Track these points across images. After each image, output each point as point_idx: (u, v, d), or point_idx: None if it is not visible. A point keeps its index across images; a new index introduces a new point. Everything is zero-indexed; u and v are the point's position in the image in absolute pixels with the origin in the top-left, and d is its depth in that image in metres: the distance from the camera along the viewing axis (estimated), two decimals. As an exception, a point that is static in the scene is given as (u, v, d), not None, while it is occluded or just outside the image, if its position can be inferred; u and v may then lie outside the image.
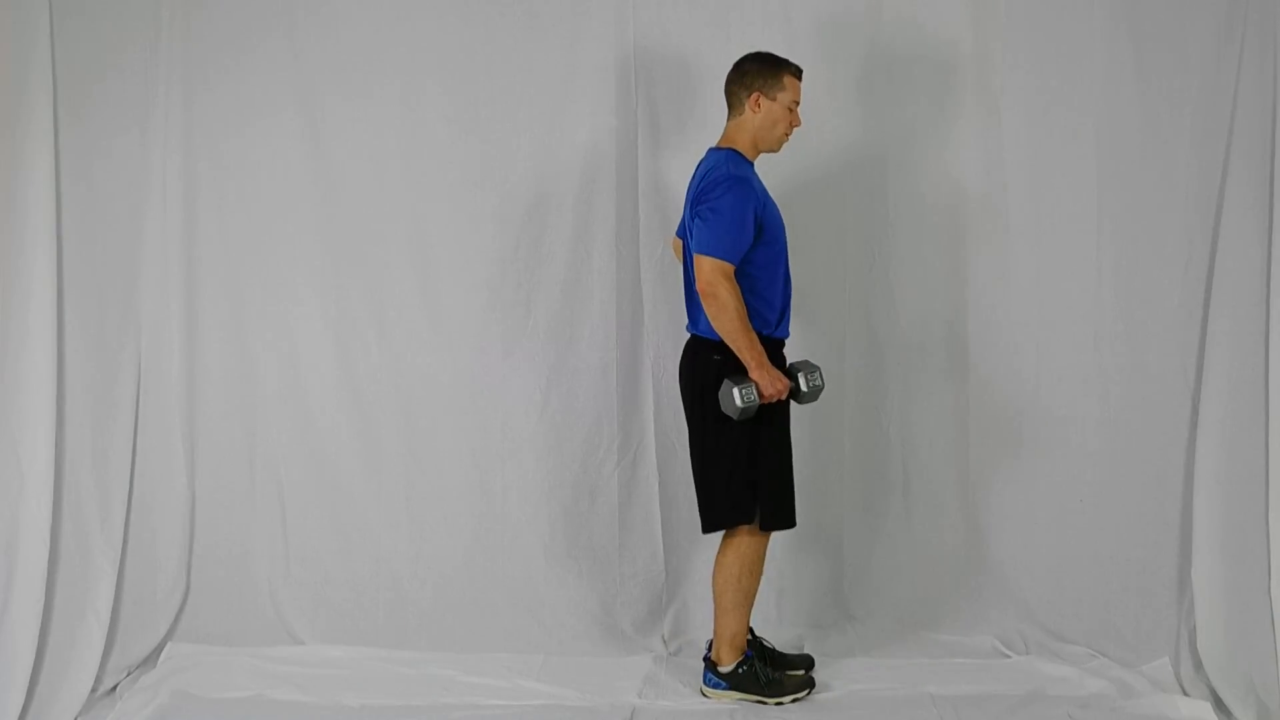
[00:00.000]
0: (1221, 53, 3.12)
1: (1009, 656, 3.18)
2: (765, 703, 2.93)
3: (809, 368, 2.91)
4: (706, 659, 3.02)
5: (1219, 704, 2.92)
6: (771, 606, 3.31)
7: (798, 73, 2.90)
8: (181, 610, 3.29)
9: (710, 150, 2.93)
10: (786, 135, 2.92)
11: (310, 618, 3.31)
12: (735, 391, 2.75)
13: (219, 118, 3.27)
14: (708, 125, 3.28)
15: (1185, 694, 2.98)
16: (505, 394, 3.34)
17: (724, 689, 2.96)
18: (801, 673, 3.03)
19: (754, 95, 2.86)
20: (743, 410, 2.76)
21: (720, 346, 2.81)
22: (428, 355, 3.33)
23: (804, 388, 2.88)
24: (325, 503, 3.34)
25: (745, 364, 2.78)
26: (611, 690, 2.99)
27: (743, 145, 2.89)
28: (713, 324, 2.77)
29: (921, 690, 2.97)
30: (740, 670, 2.95)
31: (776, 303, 2.88)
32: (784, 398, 2.84)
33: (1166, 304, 3.20)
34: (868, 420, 3.35)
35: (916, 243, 3.31)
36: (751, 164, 2.90)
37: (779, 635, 3.23)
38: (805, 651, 3.19)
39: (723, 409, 2.79)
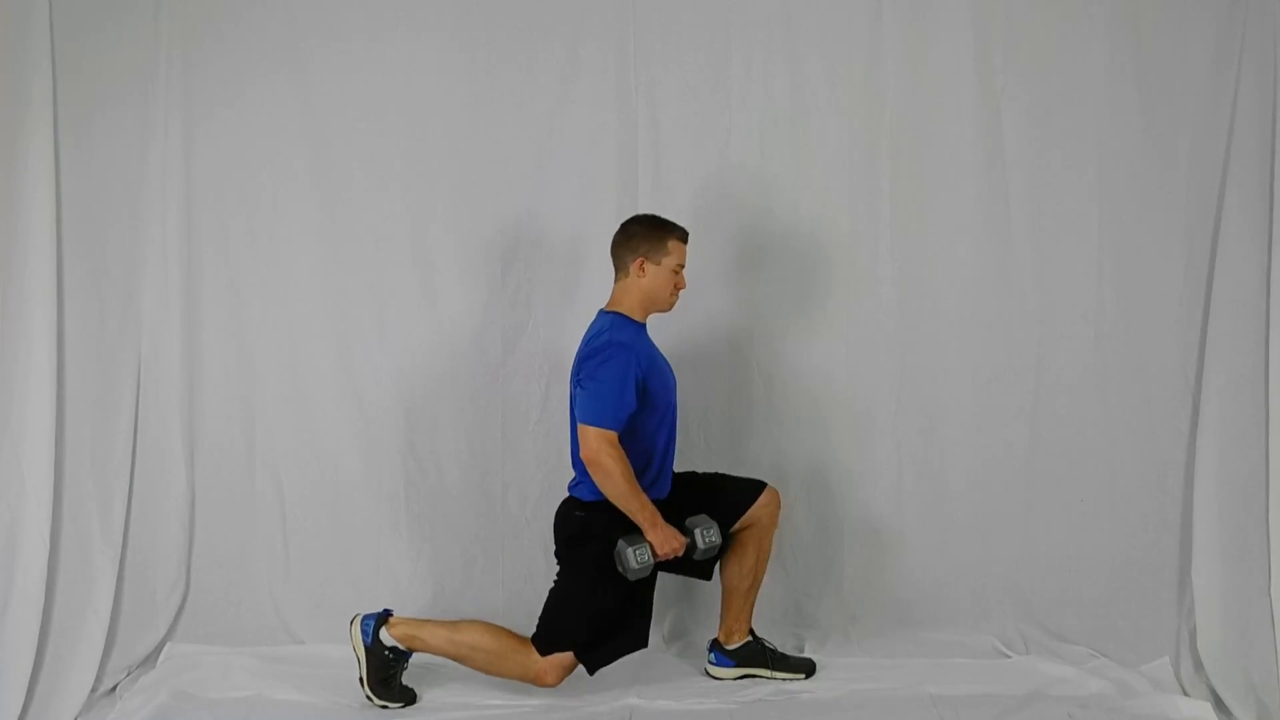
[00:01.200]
0: (1221, 53, 3.12)
1: (1009, 656, 3.18)
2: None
3: (705, 524, 2.91)
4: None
5: (1219, 704, 2.92)
6: (772, 607, 3.30)
7: (683, 236, 2.92)
8: (181, 610, 3.29)
9: (599, 313, 2.95)
10: (674, 298, 2.94)
11: (310, 618, 3.31)
12: (630, 552, 2.79)
13: (219, 118, 3.27)
14: (708, 124, 3.30)
15: (1185, 694, 2.98)
16: (505, 394, 3.34)
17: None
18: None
19: (639, 259, 2.88)
20: (636, 571, 2.80)
21: (585, 505, 2.87)
22: (428, 355, 3.33)
23: (700, 544, 2.88)
24: (325, 503, 3.34)
25: (640, 525, 2.81)
26: (610, 690, 2.99)
27: (629, 308, 2.91)
28: (601, 490, 2.79)
29: (921, 690, 2.97)
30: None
31: (653, 464, 2.90)
32: (679, 554, 2.86)
33: (1166, 304, 3.20)
34: (867, 420, 3.35)
35: (916, 242, 3.30)
36: (641, 326, 2.92)
37: (779, 635, 3.23)
38: (806, 655, 3.19)
39: (618, 568, 2.82)
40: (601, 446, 2.74)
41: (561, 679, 2.88)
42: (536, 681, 2.87)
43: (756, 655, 3.07)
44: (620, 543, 2.81)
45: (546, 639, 2.87)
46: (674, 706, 2.92)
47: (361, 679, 2.91)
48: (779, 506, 3.07)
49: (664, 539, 2.81)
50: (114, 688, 3.09)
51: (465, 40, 3.27)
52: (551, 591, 2.94)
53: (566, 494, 2.97)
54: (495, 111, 3.28)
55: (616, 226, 2.96)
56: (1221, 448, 3.11)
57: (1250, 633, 3.00)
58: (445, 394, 3.34)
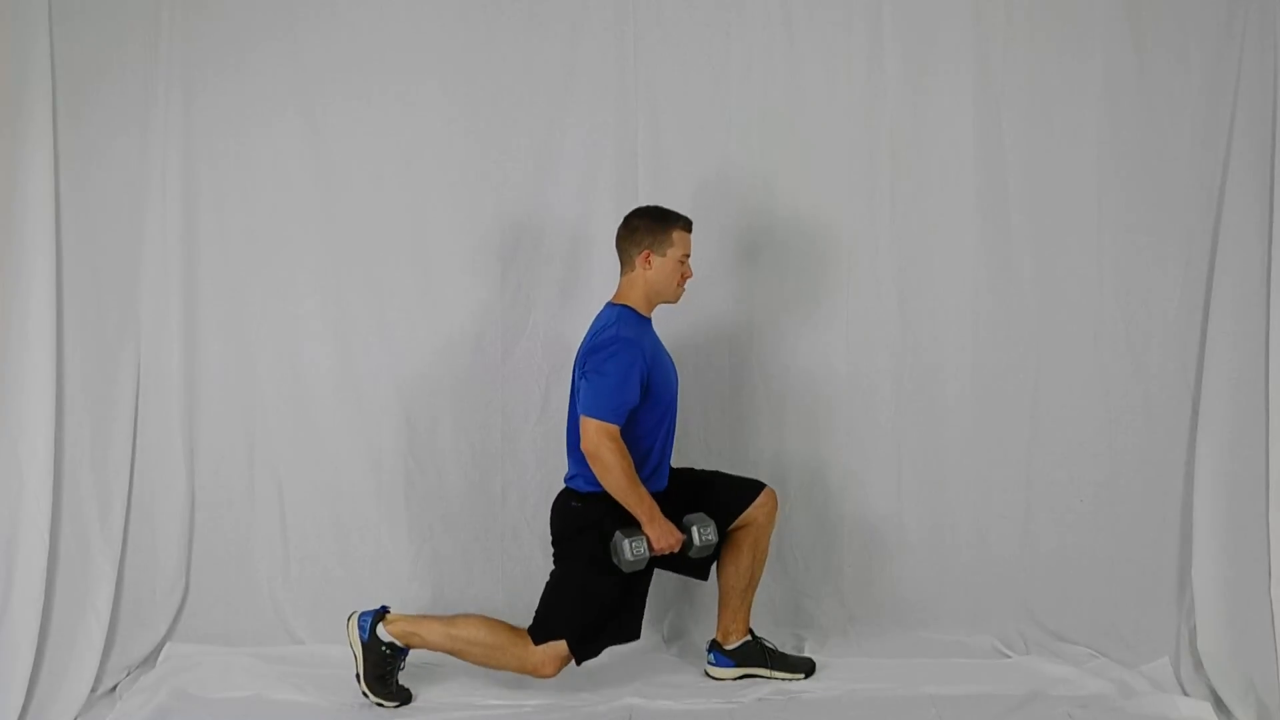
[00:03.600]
0: (1221, 53, 3.12)
1: (1009, 656, 3.18)
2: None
3: (703, 521, 2.91)
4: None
5: (1219, 704, 2.92)
6: (772, 607, 3.30)
7: (687, 226, 2.92)
8: (181, 610, 3.28)
9: (605, 305, 2.95)
10: (681, 288, 2.94)
11: (310, 618, 3.31)
12: (626, 544, 2.79)
13: (219, 118, 3.27)
14: (708, 124, 3.30)
15: (1185, 694, 2.98)
16: (505, 394, 3.34)
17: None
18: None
19: (644, 252, 2.88)
20: (632, 564, 2.80)
21: (582, 497, 2.88)
22: (428, 355, 3.33)
23: (697, 541, 2.88)
24: (325, 503, 3.34)
25: (637, 518, 2.81)
26: (610, 690, 2.99)
27: (635, 301, 2.91)
28: (601, 483, 2.80)
29: (921, 690, 2.97)
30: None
31: (651, 459, 2.90)
32: (675, 550, 2.86)
33: (1166, 304, 3.21)
34: (867, 419, 3.35)
35: (916, 242, 3.31)
36: (647, 320, 2.92)
37: (779, 635, 3.23)
38: (805, 654, 3.19)
39: (613, 559, 2.82)
40: (602, 440, 2.75)
41: (559, 669, 2.87)
42: (534, 673, 2.87)
43: (755, 654, 3.07)
44: (617, 534, 2.81)
45: (541, 629, 2.87)
46: (674, 706, 2.92)
47: (358, 675, 2.91)
48: (776, 507, 3.07)
49: (661, 534, 2.81)
50: (114, 688, 3.09)
51: (465, 40, 3.27)
52: (548, 582, 2.94)
53: (563, 486, 2.97)
54: (495, 111, 3.28)
55: (617, 226, 2.96)
56: (1221, 448, 3.11)
57: (1250, 633, 3.00)
58: (445, 394, 3.34)
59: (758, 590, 3.11)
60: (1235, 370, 3.10)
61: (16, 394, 3.06)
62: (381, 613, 2.92)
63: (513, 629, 2.90)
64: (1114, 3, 3.18)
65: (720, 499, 3.00)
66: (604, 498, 2.82)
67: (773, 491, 3.07)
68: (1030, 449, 3.29)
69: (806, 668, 3.09)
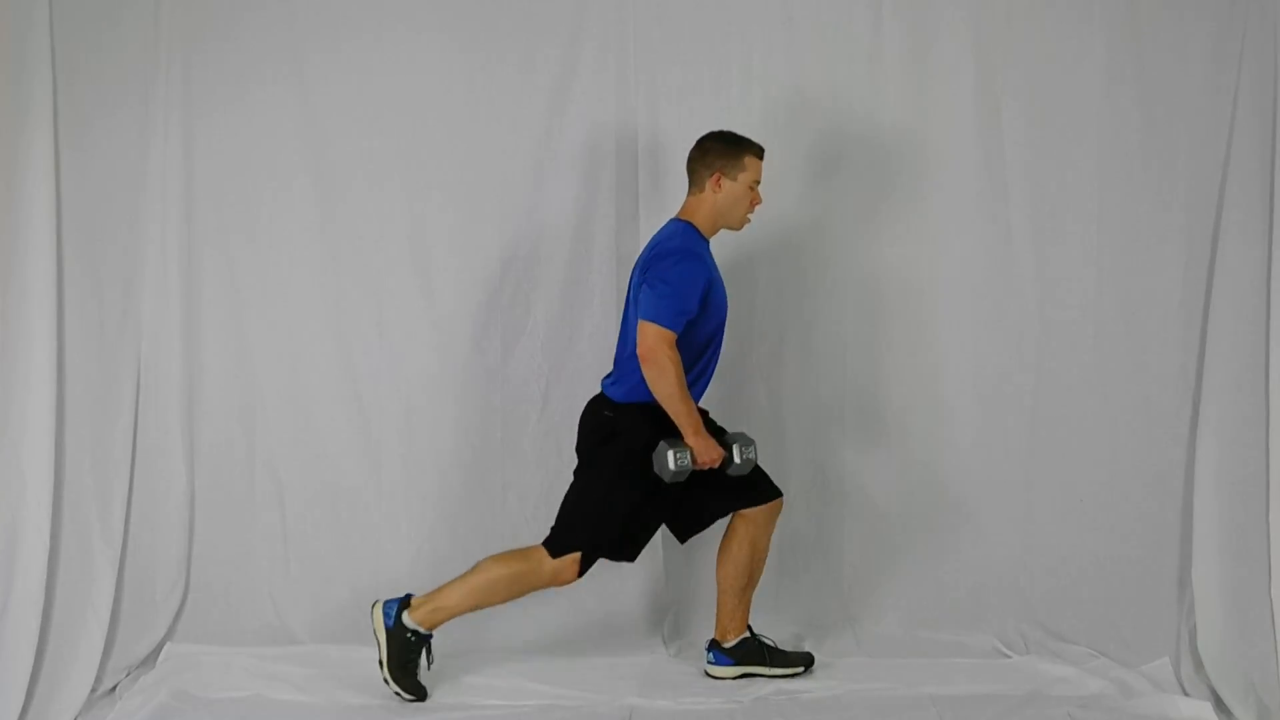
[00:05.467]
0: (1221, 53, 3.12)
1: (1009, 656, 3.18)
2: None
3: (744, 440, 2.92)
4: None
5: (1219, 704, 2.92)
6: (772, 607, 3.30)
7: (759, 152, 2.92)
8: (181, 610, 3.28)
9: (670, 220, 2.94)
10: (748, 215, 2.94)
11: (310, 618, 3.30)
12: (670, 454, 2.78)
13: (219, 118, 3.27)
14: (708, 124, 3.29)
15: (1185, 694, 2.97)
16: (505, 394, 3.34)
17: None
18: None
19: (715, 174, 2.88)
20: (675, 474, 2.80)
21: (615, 406, 2.88)
22: (428, 355, 3.33)
23: (737, 459, 2.89)
24: (325, 503, 3.34)
25: (681, 430, 2.81)
26: (610, 690, 2.98)
27: (700, 221, 2.91)
28: (651, 388, 2.79)
29: (921, 690, 2.97)
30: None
31: (697, 367, 2.91)
32: (716, 466, 2.86)
33: (1166, 304, 3.21)
34: (867, 419, 3.35)
35: (916, 243, 3.31)
36: (707, 241, 2.92)
37: (779, 635, 3.23)
38: (805, 650, 3.19)
39: (655, 469, 2.82)
40: (659, 345, 2.74)
41: (581, 573, 2.88)
42: (557, 582, 2.88)
43: (754, 652, 3.07)
44: (662, 444, 2.79)
45: (558, 539, 2.88)
46: (674, 706, 2.92)
47: (381, 662, 2.91)
48: (779, 512, 3.07)
49: (705, 447, 2.81)
50: (114, 688, 3.09)
51: (464, 40, 3.27)
52: (569, 491, 2.95)
53: (598, 391, 2.96)
54: (495, 111, 3.28)
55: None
56: (1221, 448, 3.11)
57: (1250, 633, 3.00)
58: (445, 394, 3.34)
59: (757, 589, 3.10)
60: (1235, 370, 3.10)
61: (17, 394, 3.06)
62: (406, 600, 2.92)
63: (524, 552, 2.90)
64: (1114, 3, 3.18)
65: (736, 484, 2.99)
66: (638, 408, 2.82)
67: (781, 500, 3.07)
68: (1030, 449, 3.29)
69: (805, 661, 3.09)
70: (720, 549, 3.07)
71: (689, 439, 2.81)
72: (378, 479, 3.34)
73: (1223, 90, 3.12)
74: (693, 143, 2.95)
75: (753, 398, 3.36)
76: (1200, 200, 3.16)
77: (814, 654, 3.13)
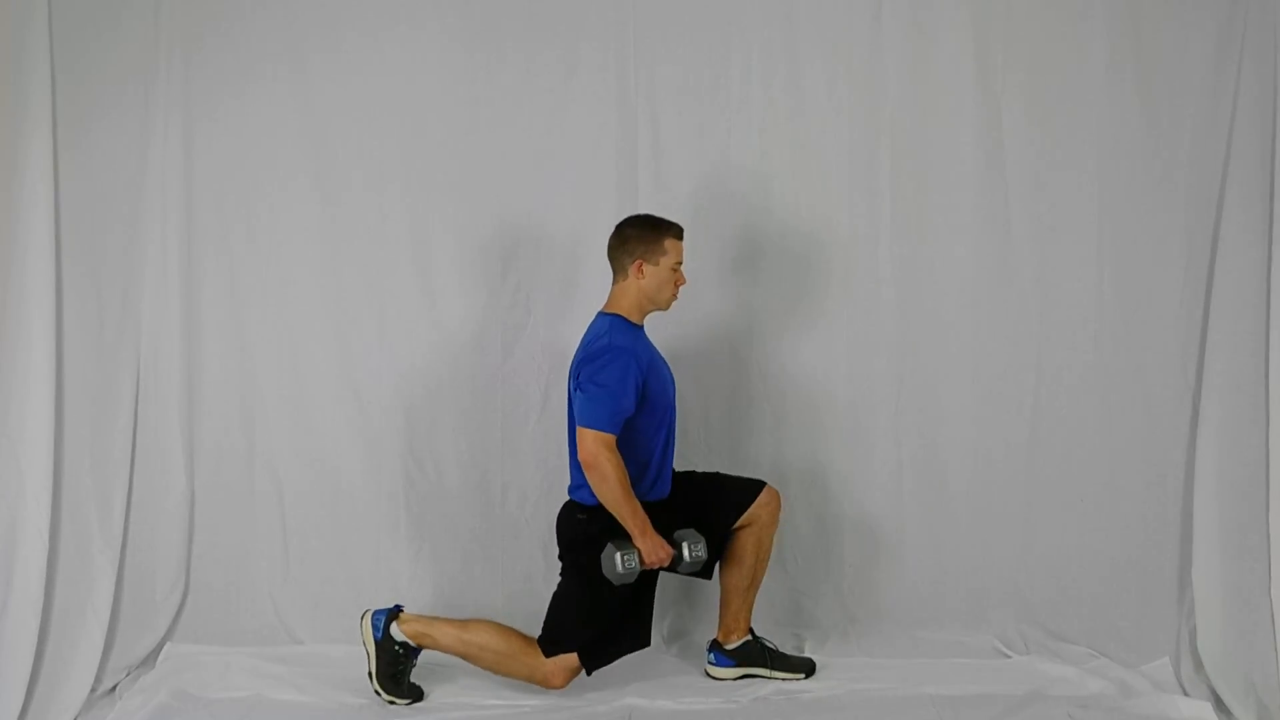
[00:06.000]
0: (1221, 53, 3.12)
1: (1009, 656, 3.18)
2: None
3: (694, 538, 2.91)
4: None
5: (1219, 704, 2.92)
6: (772, 607, 3.30)
7: (679, 233, 2.92)
8: (181, 610, 3.29)
9: (598, 315, 2.95)
10: (674, 295, 2.94)
11: (310, 618, 3.31)
12: (617, 556, 2.80)
13: (219, 118, 3.27)
14: (708, 124, 3.30)
15: (1185, 694, 2.98)
16: (505, 394, 3.34)
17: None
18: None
19: (637, 262, 2.88)
20: (622, 575, 2.80)
21: (587, 509, 2.87)
22: (428, 355, 3.33)
23: (686, 557, 2.89)
24: (325, 503, 3.34)
25: (629, 531, 2.81)
26: (610, 690, 2.98)
27: (627, 309, 2.91)
28: (595, 493, 2.80)
29: (921, 690, 2.97)
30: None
31: (652, 465, 2.91)
32: (664, 566, 2.86)
33: (1166, 304, 3.20)
34: (867, 420, 3.35)
35: (916, 241, 3.30)
36: (640, 329, 2.92)
37: (779, 635, 3.23)
38: (806, 654, 3.19)
39: (603, 572, 2.82)
40: (599, 450, 2.75)
41: (568, 680, 2.89)
42: (544, 684, 2.89)
43: (756, 654, 3.07)
44: (609, 546, 2.81)
45: (550, 641, 2.88)
46: (674, 706, 2.92)
47: (370, 673, 2.91)
48: (779, 506, 3.07)
49: (652, 547, 2.82)
50: (114, 688, 3.09)
51: (465, 40, 3.27)
52: (554, 595, 2.95)
53: (567, 497, 2.97)
54: (495, 111, 3.28)
55: (618, 225, 2.95)
56: (1221, 448, 3.11)
57: (1250, 633, 3.00)
58: (445, 394, 3.34)
59: (758, 590, 3.10)
60: (1235, 370, 3.10)
61: (17, 394, 3.06)
62: (395, 612, 2.93)
63: (525, 638, 2.91)
64: (1114, 2, 3.18)
65: (723, 500, 3.01)
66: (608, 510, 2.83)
67: (775, 490, 3.07)
68: (1030, 449, 3.29)
69: (806, 668, 3.09)
70: (726, 550, 3.06)
71: (636, 540, 2.81)
72: (378, 479, 3.34)
73: (1223, 90, 3.12)
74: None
75: (752, 398, 3.36)
76: (1200, 200, 3.16)
77: (814, 659, 3.14)
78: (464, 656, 2.91)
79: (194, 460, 3.31)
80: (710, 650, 3.11)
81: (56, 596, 3.09)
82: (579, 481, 2.90)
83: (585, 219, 3.30)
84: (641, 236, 2.89)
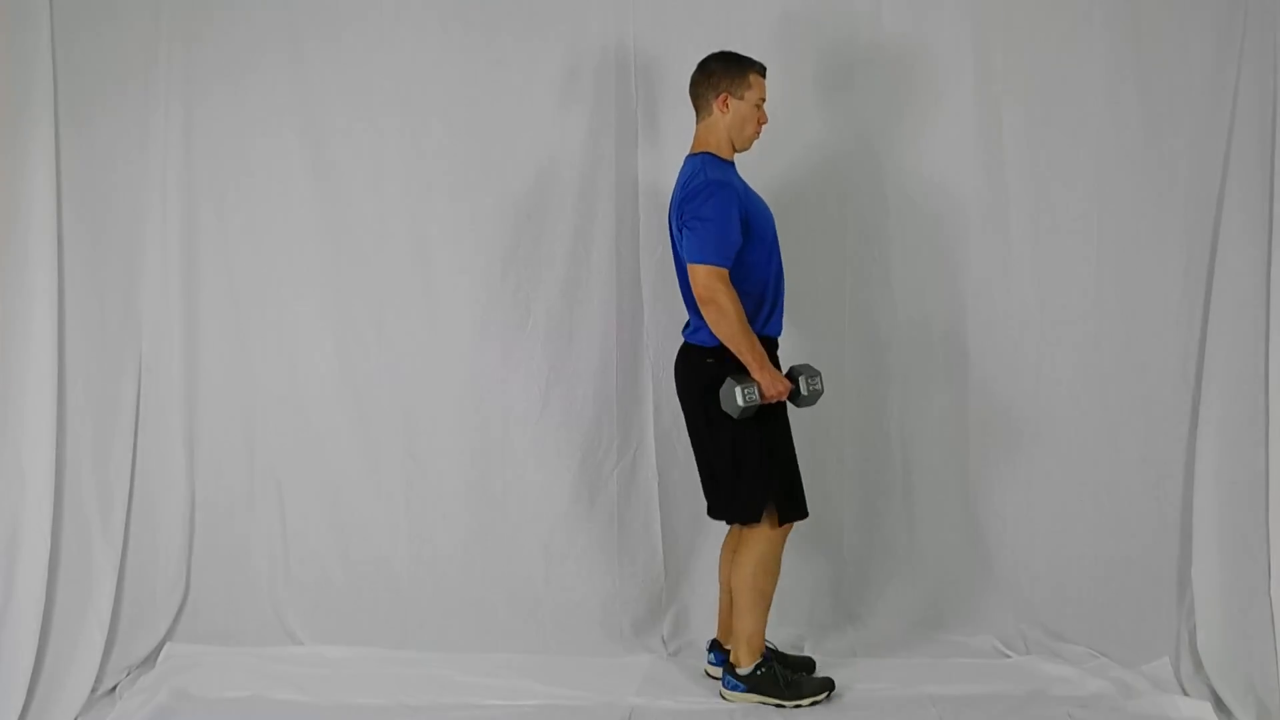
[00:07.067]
0: (1221, 53, 3.12)
1: (1009, 656, 3.18)
2: (784, 705, 2.91)
3: (810, 372, 2.92)
4: (725, 662, 3.00)
5: (1219, 704, 2.92)
6: (772, 607, 3.30)
7: (762, 70, 2.90)
8: (181, 610, 3.29)
9: (687, 158, 2.92)
10: (756, 134, 2.92)
11: (310, 618, 3.30)
12: (738, 390, 2.76)
13: (220, 119, 3.27)
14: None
15: (1185, 694, 2.98)
16: (505, 394, 3.34)
17: (743, 691, 2.94)
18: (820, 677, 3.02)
19: (722, 95, 2.86)
20: (743, 409, 2.76)
21: (713, 351, 2.83)
22: (428, 355, 3.33)
23: (804, 391, 2.89)
24: (325, 503, 3.34)
25: (747, 365, 2.78)
26: (610, 690, 2.99)
27: (716, 146, 2.88)
28: (713, 329, 2.77)
29: (921, 690, 2.97)
30: (759, 672, 2.93)
31: (766, 298, 2.88)
32: (784, 399, 2.84)
33: (1166, 304, 3.20)
34: (868, 420, 3.35)
35: (917, 243, 3.31)
36: (731, 164, 2.90)
37: (779, 635, 3.22)
38: (805, 653, 3.19)
39: (723, 407, 2.79)
40: (713, 283, 2.72)
41: (781, 525, 2.88)
42: (783, 536, 2.89)
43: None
44: (728, 381, 2.77)
45: (743, 509, 2.86)
46: (674, 706, 2.92)
47: (782, 705, 2.89)
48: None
49: (772, 379, 2.78)
50: (114, 688, 3.09)
51: (465, 40, 3.27)
52: (710, 459, 2.92)
53: (684, 342, 2.94)
54: (495, 111, 3.28)
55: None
56: (1221, 448, 3.11)
57: (1250, 633, 3.00)
58: (445, 394, 3.33)
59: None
60: (1235, 370, 3.10)
61: (18, 395, 3.06)
62: (725, 663, 2.95)
63: (743, 538, 2.90)
64: (1114, 3, 3.18)
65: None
66: None
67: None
68: (1030, 449, 3.29)
69: (806, 666, 3.08)
70: (725, 551, 3.06)
71: (755, 374, 2.77)
72: (378, 479, 3.34)
73: (1223, 90, 3.12)
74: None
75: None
76: (1200, 200, 3.16)
77: (813, 658, 3.13)
78: (768, 602, 2.92)
79: (194, 460, 3.31)
80: (710, 650, 3.09)
81: (57, 596, 3.09)
82: (697, 324, 2.86)
83: (585, 219, 3.30)
84: (726, 70, 2.86)
